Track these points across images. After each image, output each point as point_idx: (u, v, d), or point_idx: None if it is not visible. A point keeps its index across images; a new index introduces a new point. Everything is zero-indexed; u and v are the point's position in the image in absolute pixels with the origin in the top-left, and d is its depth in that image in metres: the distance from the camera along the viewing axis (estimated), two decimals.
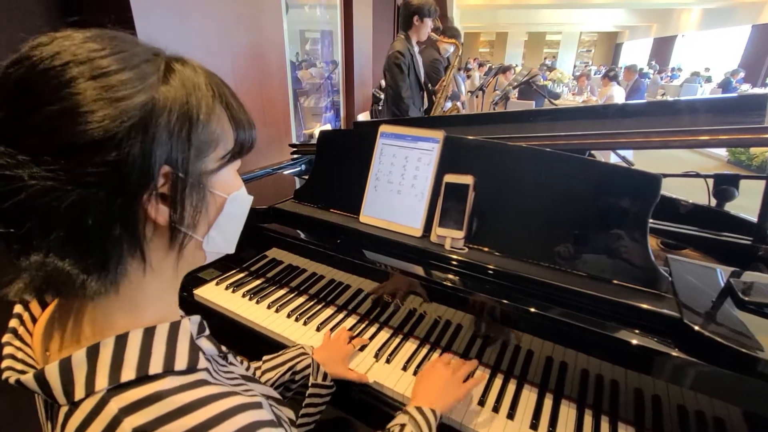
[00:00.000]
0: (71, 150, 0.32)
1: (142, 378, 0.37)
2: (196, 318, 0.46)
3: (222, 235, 0.46)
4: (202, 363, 0.42)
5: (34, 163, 0.32)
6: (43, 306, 0.47)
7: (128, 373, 0.36)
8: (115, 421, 0.34)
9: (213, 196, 0.43)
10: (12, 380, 0.37)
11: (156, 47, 0.40)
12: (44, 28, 0.36)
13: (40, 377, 0.36)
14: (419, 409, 0.69)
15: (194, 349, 0.42)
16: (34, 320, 0.46)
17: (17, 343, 0.42)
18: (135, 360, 0.37)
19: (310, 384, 0.77)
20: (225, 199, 0.44)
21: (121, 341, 0.38)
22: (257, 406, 0.39)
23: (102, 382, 0.36)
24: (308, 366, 0.79)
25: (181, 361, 0.40)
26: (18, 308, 0.46)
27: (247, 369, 0.61)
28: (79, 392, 0.35)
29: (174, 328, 0.41)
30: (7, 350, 0.41)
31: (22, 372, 0.38)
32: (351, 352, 0.90)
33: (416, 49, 2.91)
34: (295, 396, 0.80)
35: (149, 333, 0.40)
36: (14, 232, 0.34)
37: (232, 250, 0.49)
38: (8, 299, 0.36)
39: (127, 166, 0.34)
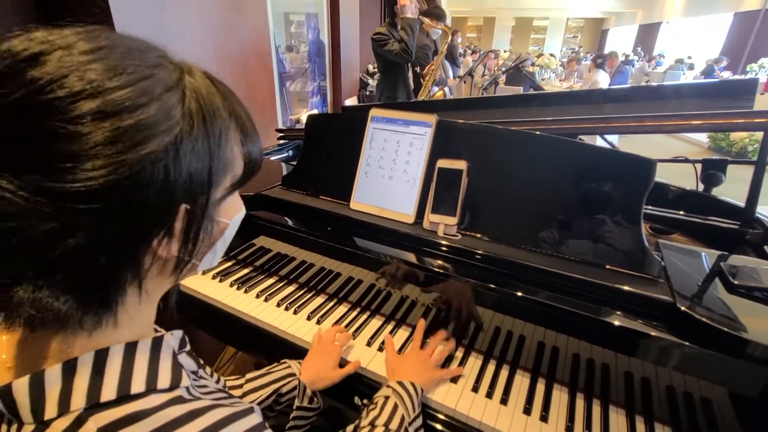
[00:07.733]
0: (84, 196, 0.28)
1: (124, 397, 0.34)
2: (179, 333, 0.44)
3: (214, 253, 0.44)
4: (185, 381, 0.40)
5: (33, 203, 0.27)
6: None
7: (108, 393, 0.34)
8: None
9: (217, 223, 0.41)
10: None
11: (159, 48, 0.36)
12: (16, 19, 0.32)
13: (6, 393, 0.33)
14: (400, 383, 0.72)
15: (177, 367, 0.40)
16: None
17: None
18: (116, 378, 0.35)
19: (295, 407, 0.75)
20: (227, 224, 0.43)
21: (101, 357, 0.35)
22: (246, 413, 0.38)
23: (78, 401, 0.33)
24: (294, 388, 0.77)
25: (164, 380, 0.38)
26: None
27: (217, 382, 0.59)
28: (51, 411, 0.33)
29: (156, 344, 0.39)
30: None
31: None
32: (339, 354, 0.84)
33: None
34: (280, 415, 0.78)
35: (131, 349, 0.37)
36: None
37: (215, 264, 0.47)
38: None
39: (146, 211, 0.32)
